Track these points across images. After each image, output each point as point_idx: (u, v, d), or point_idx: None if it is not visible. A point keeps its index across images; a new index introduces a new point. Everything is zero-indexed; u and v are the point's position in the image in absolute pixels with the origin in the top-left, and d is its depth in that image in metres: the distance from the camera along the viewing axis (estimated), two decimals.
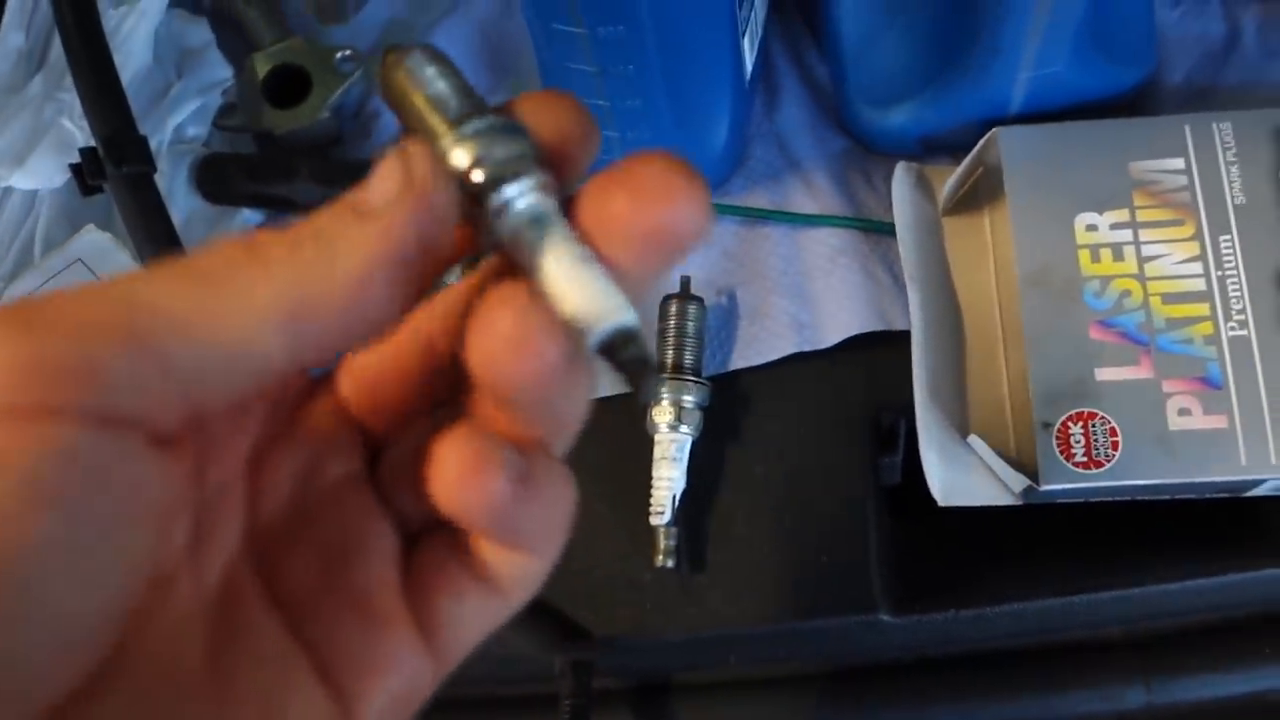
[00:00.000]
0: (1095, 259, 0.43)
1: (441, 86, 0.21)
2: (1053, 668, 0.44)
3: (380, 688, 0.21)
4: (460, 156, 0.20)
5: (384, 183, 0.19)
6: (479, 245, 0.21)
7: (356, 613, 0.21)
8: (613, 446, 0.44)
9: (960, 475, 0.43)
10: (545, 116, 0.21)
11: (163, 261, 0.19)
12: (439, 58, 0.21)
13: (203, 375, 0.18)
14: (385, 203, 0.19)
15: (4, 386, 0.17)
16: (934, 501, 0.43)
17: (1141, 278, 0.42)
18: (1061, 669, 0.44)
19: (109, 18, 0.48)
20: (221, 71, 0.53)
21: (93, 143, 0.46)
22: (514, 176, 0.20)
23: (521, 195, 0.20)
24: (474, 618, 0.22)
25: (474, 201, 0.20)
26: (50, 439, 0.17)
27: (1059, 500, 0.42)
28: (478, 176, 0.20)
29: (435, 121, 0.20)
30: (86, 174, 0.46)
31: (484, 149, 0.20)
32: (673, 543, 0.43)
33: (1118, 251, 0.43)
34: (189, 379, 0.18)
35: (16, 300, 0.18)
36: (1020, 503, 0.42)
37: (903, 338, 0.45)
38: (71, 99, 0.48)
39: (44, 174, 0.48)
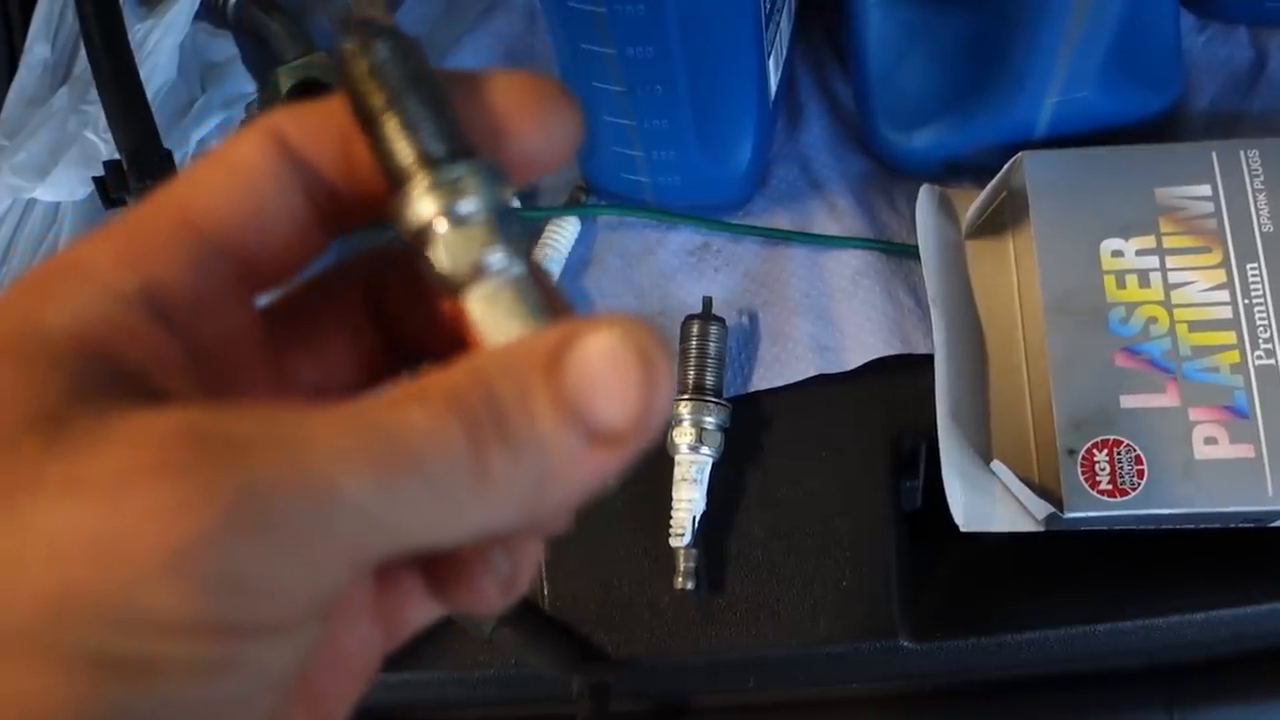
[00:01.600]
0: (1121, 285, 0.42)
1: (412, 98, 0.18)
2: (1074, 697, 0.43)
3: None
4: (428, 208, 0.18)
5: (622, 404, 0.17)
6: (422, 272, 0.19)
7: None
8: (633, 467, 0.44)
9: (983, 501, 0.43)
10: (527, 103, 0.20)
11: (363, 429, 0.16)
12: (408, 51, 0.19)
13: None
14: (625, 430, 0.17)
15: None
16: (955, 527, 0.42)
17: (1168, 305, 0.42)
18: (1083, 699, 0.43)
19: (134, 31, 0.48)
20: (245, 86, 0.53)
21: (117, 156, 0.46)
22: (484, 246, 0.18)
23: (488, 276, 0.18)
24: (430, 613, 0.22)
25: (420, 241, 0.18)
26: None
27: (1082, 528, 0.42)
28: (443, 243, 0.18)
29: (403, 151, 0.18)
30: (110, 187, 0.46)
31: (459, 208, 0.18)
32: (692, 565, 0.43)
33: (1144, 278, 0.42)
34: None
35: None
36: (1043, 529, 0.42)
37: (924, 361, 0.45)
38: (96, 111, 0.48)
39: (67, 186, 0.48)
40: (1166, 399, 0.41)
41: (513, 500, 0.17)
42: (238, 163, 0.19)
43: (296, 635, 0.17)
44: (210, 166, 0.19)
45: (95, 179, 0.46)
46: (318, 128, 0.20)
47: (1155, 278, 0.42)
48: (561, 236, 0.49)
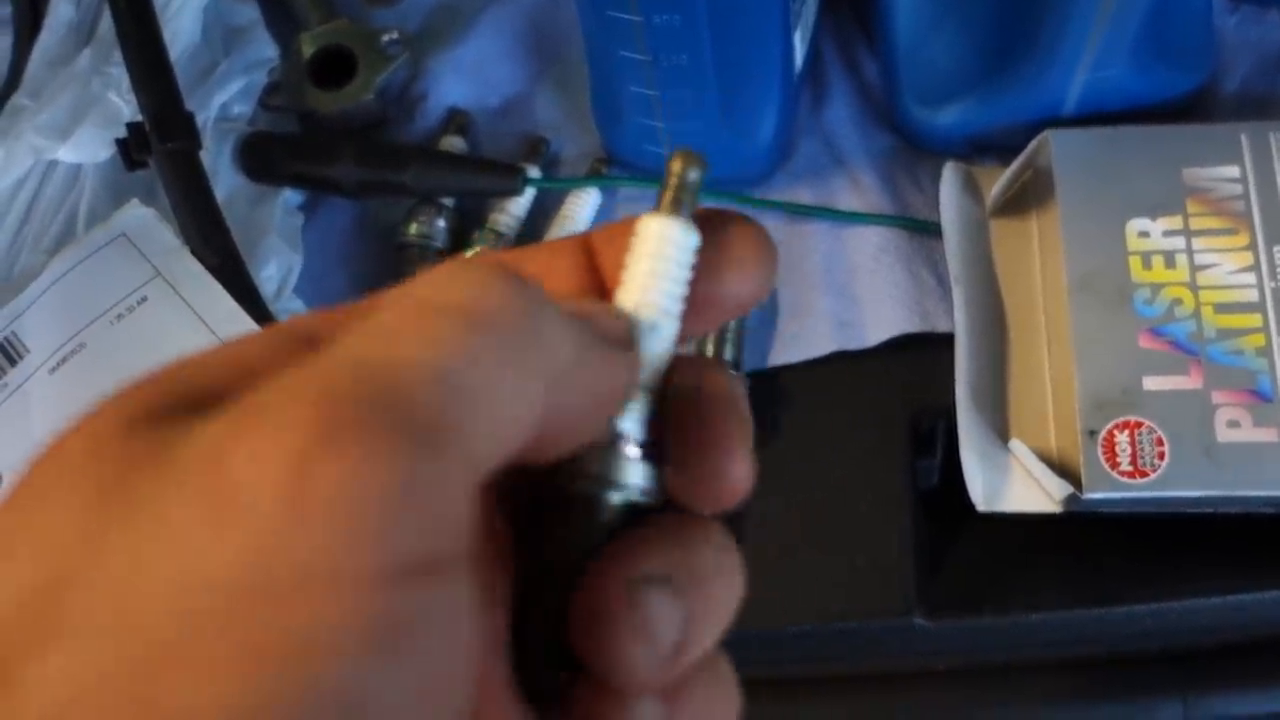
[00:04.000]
0: (1147, 266, 0.42)
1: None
2: (1088, 680, 0.43)
3: None
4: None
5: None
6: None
7: None
8: None
9: (1001, 481, 0.42)
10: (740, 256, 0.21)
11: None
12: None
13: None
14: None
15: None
16: (972, 506, 0.42)
17: (1193, 286, 0.41)
18: (1097, 681, 0.43)
19: None
20: (268, 51, 0.53)
21: (139, 118, 0.46)
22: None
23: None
24: None
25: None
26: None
27: (1101, 510, 0.41)
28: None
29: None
30: (132, 149, 0.46)
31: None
32: None
33: (1170, 259, 0.42)
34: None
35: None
36: (1061, 510, 0.42)
37: (944, 340, 0.45)
38: (119, 73, 0.48)
39: (89, 148, 0.48)
40: (1190, 381, 0.40)
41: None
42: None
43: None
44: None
45: (118, 141, 0.46)
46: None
47: (1181, 259, 0.42)
48: (581, 209, 0.49)
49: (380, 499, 0.14)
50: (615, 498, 0.19)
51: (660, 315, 0.20)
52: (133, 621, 0.14)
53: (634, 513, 0.20)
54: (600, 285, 0.21)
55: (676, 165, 0.20)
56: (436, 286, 0.17)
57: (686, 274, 0.20)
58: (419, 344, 0.16)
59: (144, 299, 0.39)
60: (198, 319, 0.38)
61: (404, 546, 0.15)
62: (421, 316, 0.16)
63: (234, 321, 0.39)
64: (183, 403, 0.17)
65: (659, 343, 0.20)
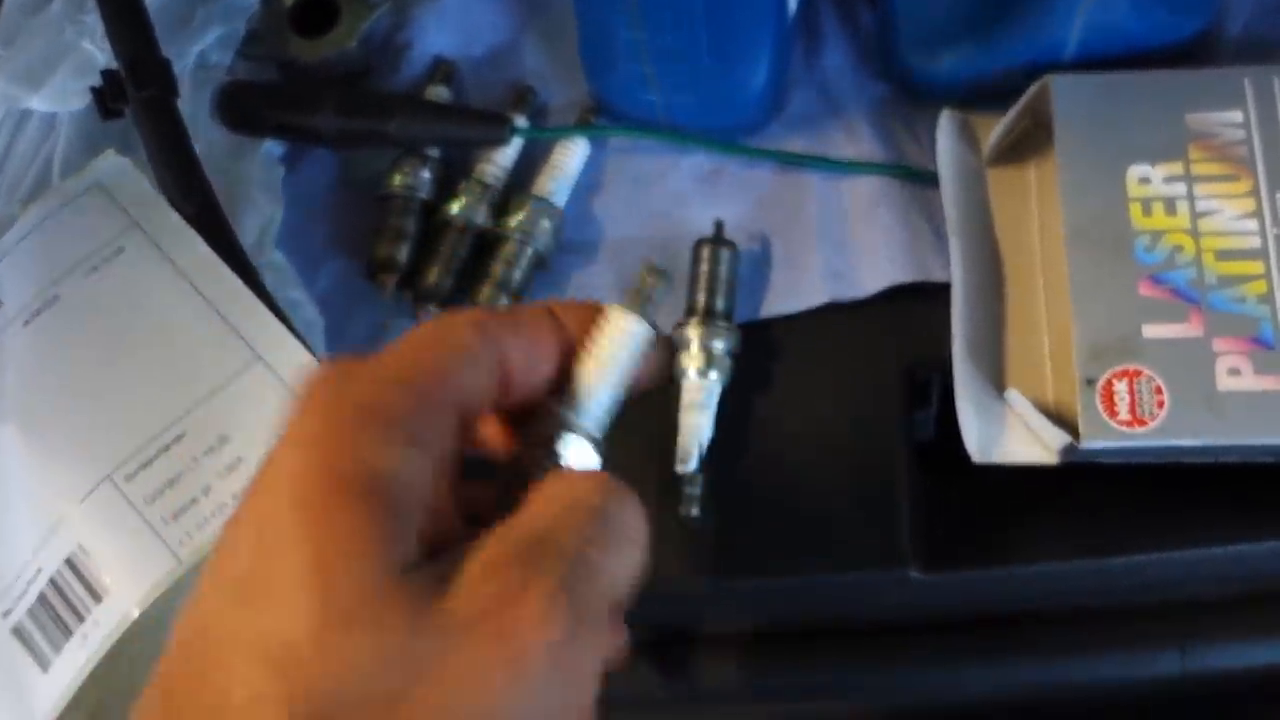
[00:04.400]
0: (1147, 212, 0.41)
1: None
2: (1085, 631, 0.43)
3: None
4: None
5: None
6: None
7: None
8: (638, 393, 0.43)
9: (997, 432, 0.42)
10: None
11: None
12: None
13: None
14: None
15: None
16: (967, 459, 0.41)
17: (1195, 233, 0.41)
18: (1094, 634, 0.43)
19: None
20: None
21: (115, 65, 0.45)
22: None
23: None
24: None
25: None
26: None
27: (1099, 460, 0.41)
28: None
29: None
30: (107, 97, 0.45)
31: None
32: (698, 492, 0.42)
33: (1170, 205, 0.41)
34: None
35: None
36: (1058, 461, 0.41)
37: (940, 291, 0.44)
38: (94, 21, 0.46)
39: (64, 96, 0.46)
40: (1190, 329, 0.40)
41: None
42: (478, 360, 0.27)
43: None
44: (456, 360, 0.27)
45: (92, 89, 0.45)
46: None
47: (1182, 205, 0.41)
48: (569, 159, 0.48)
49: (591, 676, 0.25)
50: None
51: (614, 367, 0.30)
52: None
53: None
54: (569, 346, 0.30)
55: (647, 275, 0.31)
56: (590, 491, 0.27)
57: (637, 357, 0.30)
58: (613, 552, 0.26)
59: (120, 250, 0.38)
60: (176, 271, 0.37)
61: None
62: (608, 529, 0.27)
63: (213, 273, 0.37)
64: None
65: (609, 388, 0.30)
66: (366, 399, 0.25)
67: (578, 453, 0.29)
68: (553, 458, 0.28)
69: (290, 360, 0.36)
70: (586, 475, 0.28)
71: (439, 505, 0.25)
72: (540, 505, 0.26)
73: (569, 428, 0.29)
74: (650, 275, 0.31)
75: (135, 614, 0.33)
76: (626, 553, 0.26)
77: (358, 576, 0.22)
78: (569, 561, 0.24)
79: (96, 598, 0.33)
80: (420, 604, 0.22)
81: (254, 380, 0.35)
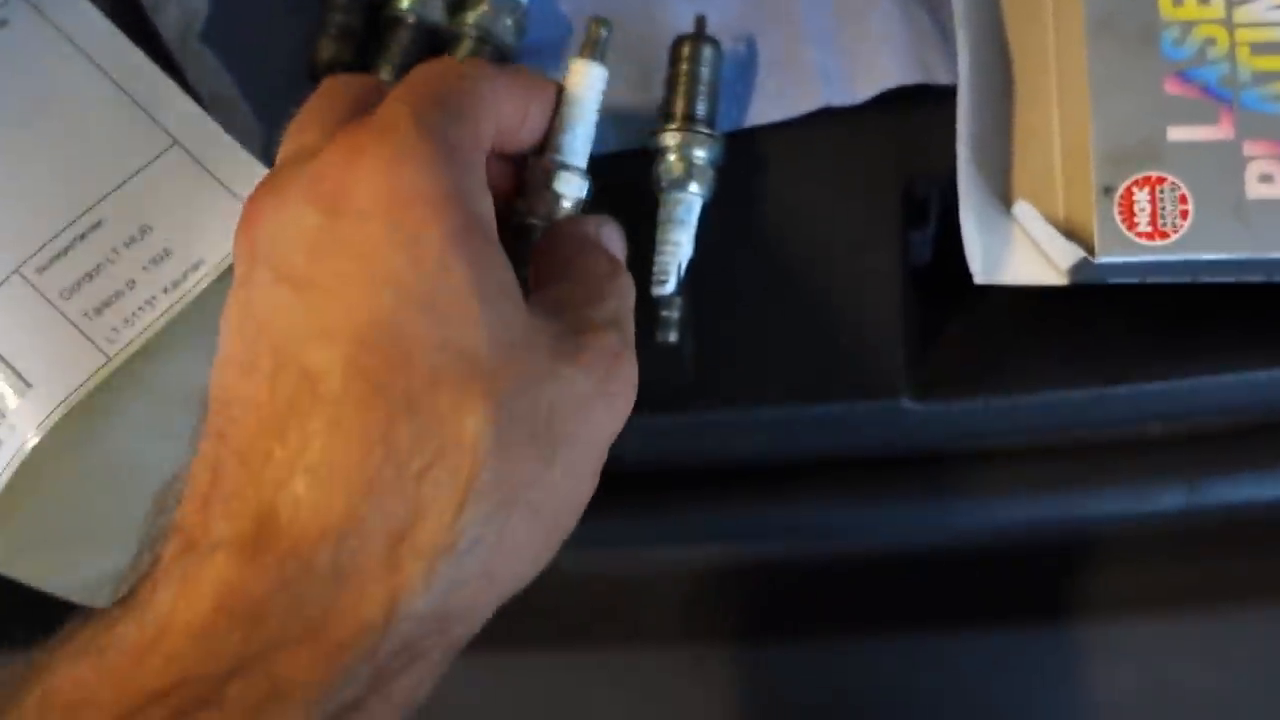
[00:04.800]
0: (1177, 2, 0.37)
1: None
2: (1087, 464, 0.40)
3: None
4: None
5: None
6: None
7: None
8: (612, 206, 0.39)
9: (1002, 249, 0.38)
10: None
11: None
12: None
13: None
14: None
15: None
16: (967, 280, 0.38)
17: (1229, 24, 0.37)
18: (1097, 466, 0.40)
19: None
20: None
21: None
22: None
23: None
24: None
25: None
26: None
27: (1111, 279, 0.37)
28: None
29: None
30: None
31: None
32: (676, 315, 0.39)
33: None
34: None
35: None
36: (1067, 282, 0.38)
37: (943, 96, 0.40)
38: None
39: None
40: (1220, 131, 0.36)
41: None
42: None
43: None
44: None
45: None
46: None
47: None
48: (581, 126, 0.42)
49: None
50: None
51: (584, 109, 0.35)
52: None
53: None
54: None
55: (594, 26, 0.35)
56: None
57: (600, 97, 0.35)
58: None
59: (3, 22, 0.33)
60: (72, 45, 0.32)
61: (457, 175, 0.27)
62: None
63: (113, 46, 0.33)
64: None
65: (584, 126, 0.35)
66: (454, 140, 0.27)
67: (570, 183, 0.34)
68: (555, 197, 0.34)
69: (214, 146, 0.32)
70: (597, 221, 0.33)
71: None
72: (585, 264, 0.31)
73: (563, 165, 0.34)
74: (596, 25, 0.35)
75: (60, 413, 0.30)
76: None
77: (515, 309, 0.26)
78: (627, 322, 0.31)
79: (18, 393, 0.30)
80: (557, 347, 0.27)
81: (172, 166, 0.31)
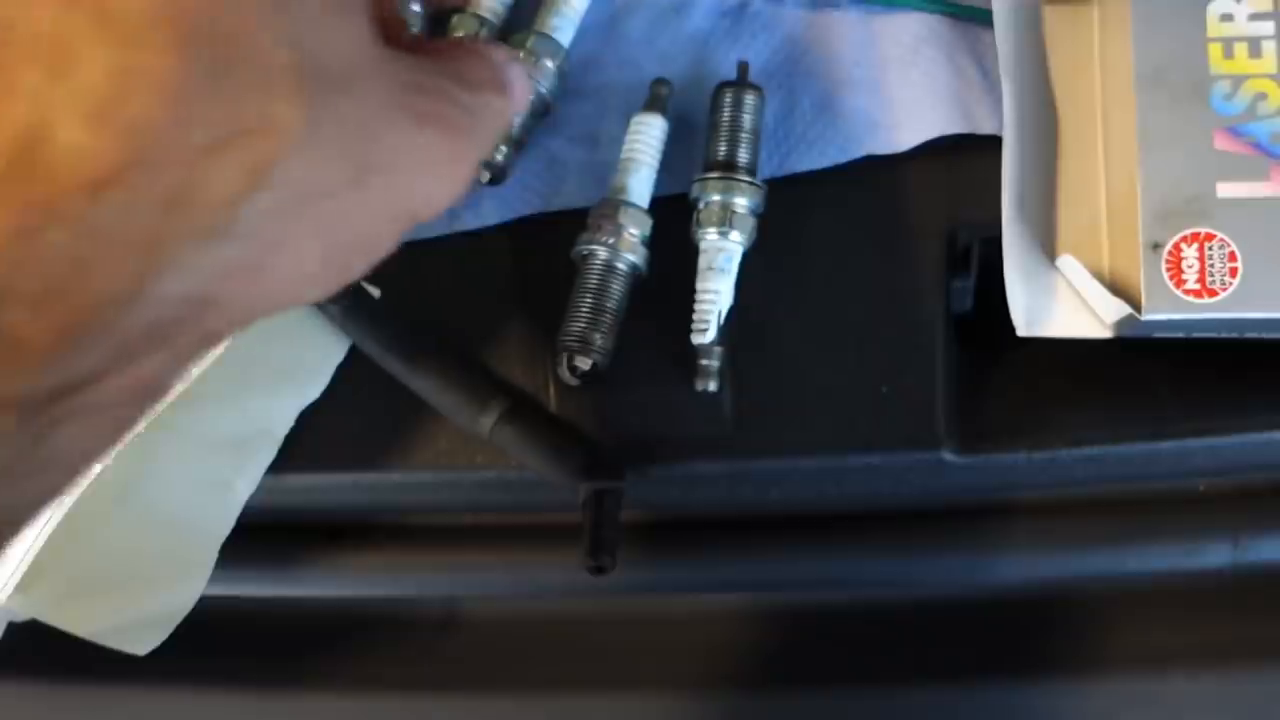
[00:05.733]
0: (1228, 54, 0.37)
1: None
2: (1130, 520, 0.40)
3: None
4: None
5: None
6: None
7: None
8: (653, 255, 0.39)
9: (1046, 302, 0.38)
10: None
11: None
12: None
13: None
14: None
15: None
16: (1010, 332, 0.38)
17: None
18: (1140, 522, 0.40)
19: None
20: None
21: None
22: None
23: None
24: None
25: None
26: None
27: (1157, 335, 0.37)
28: None
29: None
30: None
31: None
32: (716, 364, 0.38)
33: (1255, 47, 0.36)
34: None
35: None
36: (1112, 336, 0.37)
37: (985, 145, 0.39)
38: None
39: None
40: (1270, 187, 0.36)
41: None
42: None
43: None
44: None
45: None
46: None
47: (1269, 47, 0.36)
48: None
49: None
50: None
51: (648, 156, 0.40)
52: None
53: None
54: None
55: (657, 85, 0.40)
56: None
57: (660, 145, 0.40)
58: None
59: None
60: None
61: None
62: None
63: None
64: None
65: (647, 170, 0.40)
66: None
67: (636, 220, 0.39)
68: (619, 229, 0.38)
69: None
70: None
71: None
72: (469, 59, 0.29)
73: (628, 204, 0.39)
74: (659, 84, 0.40)
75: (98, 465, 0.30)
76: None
77: (375, 44, 0.26)
78: (479, 121, 0.29)
79: None
80: (400, 85, 0.26)
81: None
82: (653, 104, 0.40)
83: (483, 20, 0.42)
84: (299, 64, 0.23)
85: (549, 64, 0.41)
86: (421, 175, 0.27)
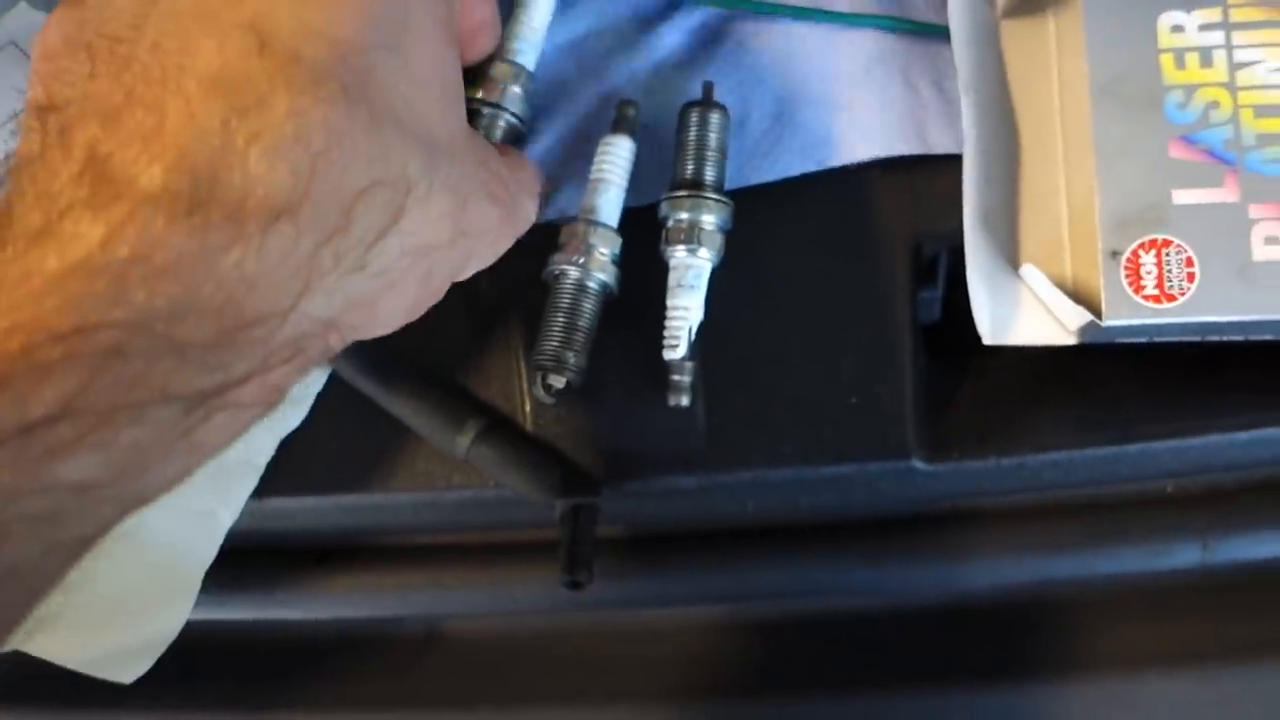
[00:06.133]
0: (1180, 65, 0.37)
1: None
2: (1099, 523, 0.40)
3: None
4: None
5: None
6: None
7: None
8: (623, 272, 0.40)
9: (1010, 311, 0.38)
10: None
11: None
12: None
13: None
14: None
15: None
16: (976, 341, 0.38)
17: (1232, 87, 0.37)
18: (1109, 525, 0.40)
19: None
20: None
21: None
22: None
23: None
24: None
25: None
26: None
27: (1119, 340, 0.38)
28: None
29: None
30: None
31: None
32: (688, 379, 0.39)
33: (1206, 57, 0.37)
34: None
35: None
36: (1076, 342, 0.38)
37: (946, 160, 0.40)
38: None
39: None
40: (1225, 194, 0.36)
41: None
42: None
43: None
44: None
45: None
46: None
47: (1219, 56, 0.37)
48: (536, 13, 0.43)
49: None
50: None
51: (616, 177, 0.40)
52: None
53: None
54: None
55: (624, 106, 0.41)
56: None
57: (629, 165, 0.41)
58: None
59: None
60: None
61: None
62: None
63: None
64: None
65: (616, 191, 0.40)
66: None
67: (604, 239, 0.39)
68: (589, 249, 0.39)
69: None
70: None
71: None
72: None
73: (598, 223, 0.40)
74: (626, 105, 0.41)
75: None
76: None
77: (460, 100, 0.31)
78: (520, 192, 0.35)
79: None
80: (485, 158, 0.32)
81: None
82: (620, 125, 0.41)
83: (519, 68, 0.42)
84: (426, 133, 0.27)
85: (516, 89, 0.42)
86: (482, 242, 0.32)
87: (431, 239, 0.28)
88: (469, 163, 0.30)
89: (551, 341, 0.39)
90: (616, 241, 0.40)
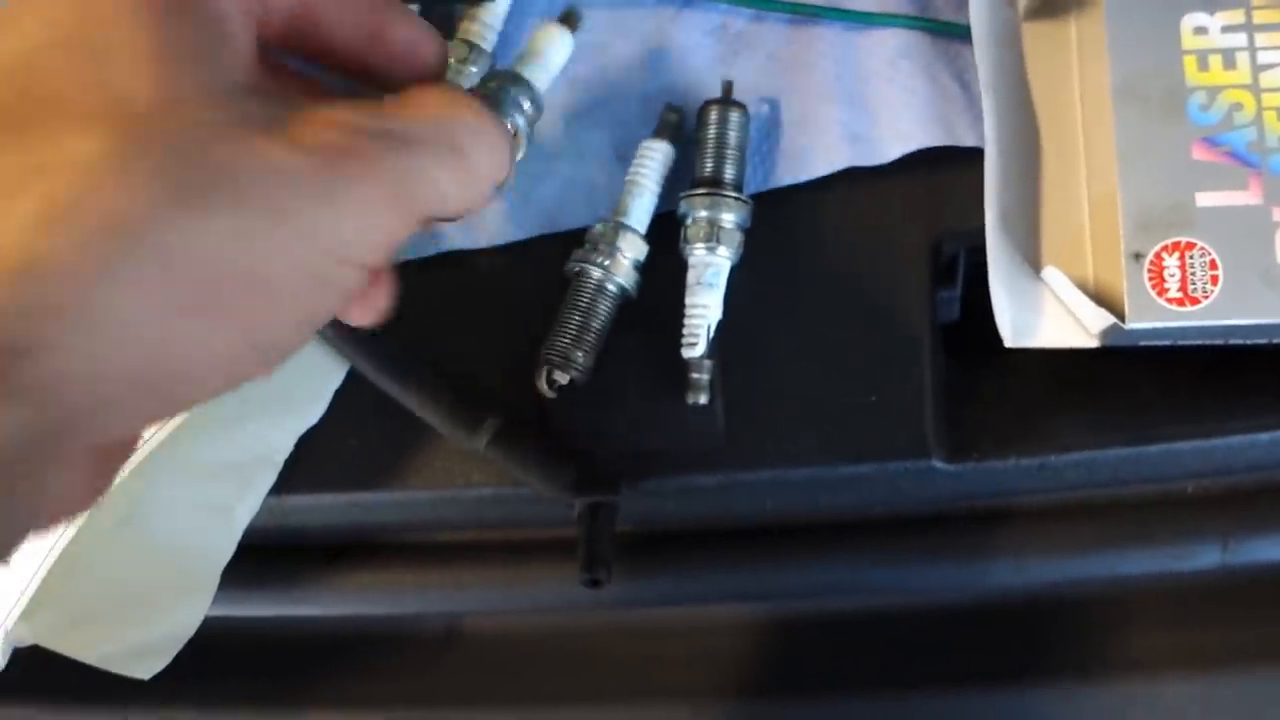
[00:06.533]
0: (1203, 67, 0.37)
1: None
2: (1120, 523, 0.40)
3: None
4: None
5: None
6: None
7: None
8: (642, 271, 0.40)
9: (1031, 313, 0.38)
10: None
11: None
12: None
13: None
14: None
15: None
16: (996, 341, 0.38)
17: (1255, 89, 0.37)
18: (1129, 525, 0.40)
19: None
20: None
21: None
22: None
23: None
24: None
25: None
26: None
27: (1141, 343, 0.37)
28: None
29: None
30: None
31: None
32: (706, 378, 0.39)
33: (1229, 58, 0.37)
34: None
35: None
36: (1097, 344, 0.38)
37: (968, 157, 0.40)
38: None
39: None
40: (1248, 196, 0.36)
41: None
42: None
43: None
44: None
45: None
46: None
47: (1243, 58, 0.37)
48: (551, 49, 0.42)
49: None
50: None
51: (651, 182, 0.41)
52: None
53: None
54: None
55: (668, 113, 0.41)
56: None
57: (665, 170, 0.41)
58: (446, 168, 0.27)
59: None
60: None
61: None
62: None
63: None
64: None
65: (649, 196, 0.40)
66: None
67: (633, 244, 0.39)
68: (615, 252, 0.39)
69: None
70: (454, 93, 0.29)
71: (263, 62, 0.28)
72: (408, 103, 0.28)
73: (627, 228, 0.39)
74: (670, 111, 0.41)
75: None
76: (459, 173, 0.27)
77: (208, 74, 0.25)
78: (411, 154, 0.26)
79: None
80: (252, 118, 0.25)
81: None
82: (662, 130, 0.41)
83: (472, 45, 0.42)
84: (109, 110, 0.23)
85: (525, 100, 0.41)
86: (309, 194, 0.25)
87: (142, 215, 0.23)
88: (221, 133, 0.25)
89: (563, 339, 0.39)
90: (643, 249, 0.40)
